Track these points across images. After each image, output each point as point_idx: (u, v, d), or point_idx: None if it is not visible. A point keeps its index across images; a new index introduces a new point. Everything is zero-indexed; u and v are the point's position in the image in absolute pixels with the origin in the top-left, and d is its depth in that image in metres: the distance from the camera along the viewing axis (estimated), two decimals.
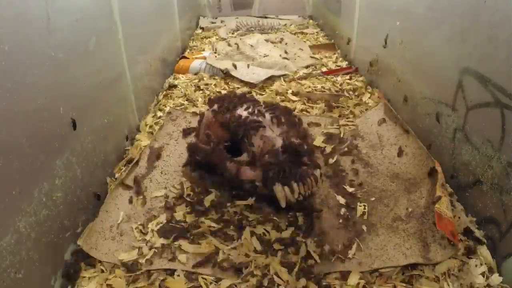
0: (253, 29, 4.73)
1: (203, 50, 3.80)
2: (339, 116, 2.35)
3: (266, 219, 1.51)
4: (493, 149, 1.39)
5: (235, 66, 3.01)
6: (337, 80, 2.93)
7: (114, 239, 1.42)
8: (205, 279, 1.28)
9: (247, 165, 1.56)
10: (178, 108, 2.44)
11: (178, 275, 1.29)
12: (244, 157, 1.59)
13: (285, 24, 4.91)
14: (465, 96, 1.58)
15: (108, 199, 1.58)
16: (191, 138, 2.04)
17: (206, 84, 2.85)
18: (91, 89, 1.60)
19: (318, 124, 2.23)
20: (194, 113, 2.32)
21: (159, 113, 2.41)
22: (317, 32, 4.48)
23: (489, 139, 1.41)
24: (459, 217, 1.51)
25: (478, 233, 1.43)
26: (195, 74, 3.08)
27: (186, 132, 2.12)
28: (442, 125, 1.77)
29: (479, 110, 1.49)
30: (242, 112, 1.62)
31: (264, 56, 3.31)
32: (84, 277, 1.29)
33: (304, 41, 4.01)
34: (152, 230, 1.47)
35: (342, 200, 1.63)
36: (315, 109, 2.46)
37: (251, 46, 3.57)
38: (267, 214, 1.54)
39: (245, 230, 1.45)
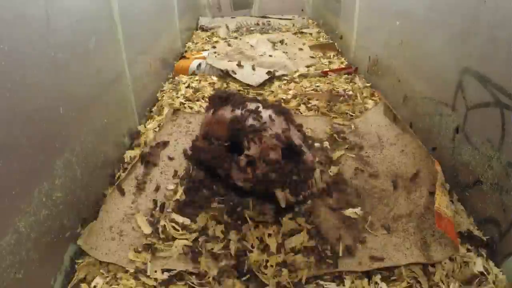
0: (253, 29, 4.73)
1: (203, 50, 3.80)
2: (339, 116, 2.35)
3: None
4: (493, 149, 1.39)
5: (239, 65, 3.00)
6: (336, 80, 2.93)
7: (114, 239, 1.42)
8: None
9: (247, 165, 1.56)
10: (178, 108, 2.43)
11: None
12: (244, 157, 1.59)
13: (285, 24, 4.91)
14: (465, 96, 1.58)
15: (108, 199, 1.58)
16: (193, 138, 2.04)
17: (206, 84, 2.85)
18: (91, 89, 1.60)
19: (317, 124, 2.23)
20: (194, 113, 2.32)
21: (159, 113, 2.41)
22: (317, 32, 4.48)
23: (489, 139, 1.41)
24: (459, 217, 1.51)
25: (478, 233, 1.43)
26: (195, 74, 3.08)
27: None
28: (442, 125, 1.77)
29: (479, 110, 1.49)
30: (240, 112, 1.62)
31: (264, 56, 3.30)
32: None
33: (304, 41, 4.00)
34: (152, 230, 1.46)
35: (341, 200, 1.63)
36: (314, 109, 2.46)
37: (251, 46, 3.57)
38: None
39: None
